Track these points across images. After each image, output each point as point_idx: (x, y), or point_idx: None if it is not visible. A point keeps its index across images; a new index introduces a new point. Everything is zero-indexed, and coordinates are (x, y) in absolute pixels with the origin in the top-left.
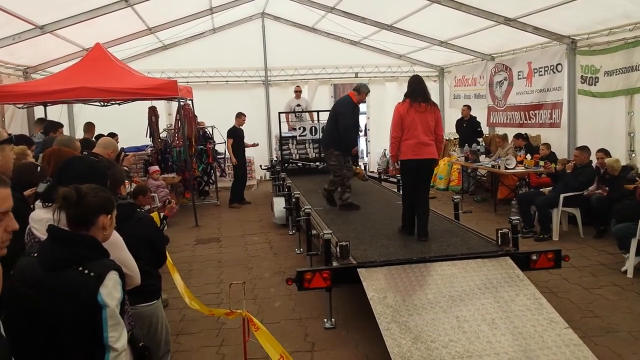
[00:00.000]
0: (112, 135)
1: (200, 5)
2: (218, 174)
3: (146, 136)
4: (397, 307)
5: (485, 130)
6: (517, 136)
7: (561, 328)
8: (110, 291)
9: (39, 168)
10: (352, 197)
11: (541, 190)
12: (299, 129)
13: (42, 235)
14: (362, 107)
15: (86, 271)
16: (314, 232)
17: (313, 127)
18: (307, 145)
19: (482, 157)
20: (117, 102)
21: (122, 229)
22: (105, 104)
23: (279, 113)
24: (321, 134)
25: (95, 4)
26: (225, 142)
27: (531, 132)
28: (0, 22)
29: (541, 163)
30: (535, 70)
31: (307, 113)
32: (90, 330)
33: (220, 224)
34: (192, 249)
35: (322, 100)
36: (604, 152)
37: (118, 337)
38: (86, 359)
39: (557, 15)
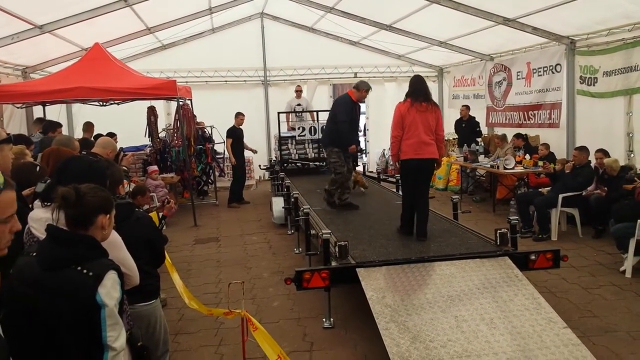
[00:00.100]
0: (111, 135)
1: (199, 5)
2: (217, 173)
3: (145, 136)
4: (395, 307)
5: (484, 130)
6: (517, 136)
7: (560, 328)
8: (109, 291)
9: (37, 168)
10: (351, 197)
11: (540, 190)
12: (298, 128)
13: (41, 234)
14: (362, 107)
15: (85, 271)
16: (312, 231)
17: (312, 127)
18: (306, 145)
19: (481, 157)
20: (116, 101)
21: (121, 228)
22: (104, 103)
23: (278, 113)
24: (321, 134)
25: (94, 4)
26: (224, 142)
27: (530, 132)
28: None
29: (540, 163)
30: (534, 71)
31: (307, 113)
32: (89, 329)
33: (219, 224)
34: (191, 248)
35: (321, 100)
36: (603, 152)
37: (117, 337)
38: (85, 359)
39: (556, 15)
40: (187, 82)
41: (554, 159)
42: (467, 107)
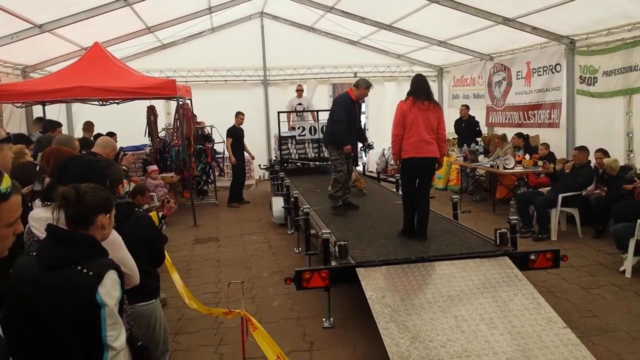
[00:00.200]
0: (111, 134)
1: (199, 4)
2: (217, 173)
3: (145, 135)
4: (395, 307)
5: (484, 130)
6: (519, 135)
7: (559, 328)
8: (109, 290)
9: (37, 167)
10: (351, 197)
11: (540, 190)
12: (299, 128)
13: (41, 234)
14: (362, 106)
15: (85, 270)
16: (312, 231)
17: (312, 127)
18: (306, 145)
19: (480, 157)
20: (116, 101)
21: (121, 228)
22: (104, 103)
23: (278, 112)
24: (321, 134)
25: (94, 3)
26: (224, 142)
27: (530, 132)
28: None
29: (540, 163)
30: (534, 70)
31: (308, 112)
32: (89, 329)
33: (219, 224)
34: (191, 248)
35: (321, 100)
36: (603, 152)
37: (117, 336)
38: (85, 358)
39: (556, 15)
40: (186, 81)
41: (554, 158)
42: (467, 107)
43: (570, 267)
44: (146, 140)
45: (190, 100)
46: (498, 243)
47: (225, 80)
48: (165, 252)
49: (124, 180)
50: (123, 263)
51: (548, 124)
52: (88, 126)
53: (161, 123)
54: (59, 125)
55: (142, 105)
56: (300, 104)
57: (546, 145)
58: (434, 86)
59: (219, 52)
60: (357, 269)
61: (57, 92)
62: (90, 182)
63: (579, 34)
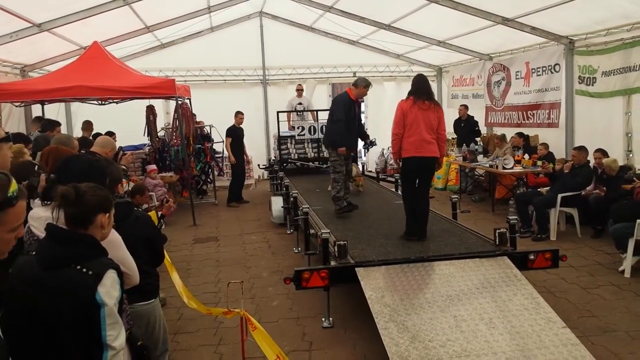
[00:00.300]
0: (110, 134)
1: (198, 4)
2: (216, 173)
3: (144, 135)
4: (395, 307)
5: (483, 130)
6: (519, 135)
7: (559, 327)
8: (109, 290)
9: (36, 167)
10: (350, 197)
11: (539, 190)
12: (298, 128)
13: (41, 233)
14: (362, 106)
15: (84, 270)
16: (312, 231)
17: (312, 127)
18: (305, 144)
19: (480, 157)
20: (115, 100)
21: (120, 227)
22: (103, 102)
23: (278, 112)
24: (320, 134)
25: (93, 3)
26: (223, 141)
27: (529, 132)
28: None
29: (539, 163)
30: (533, 70)
31: (308, 112)
32: (89, 328)
33: (219, 223)
34: (190, 248)
35: (320, 100)
36: (602, 152)
37: (116, 336)
38: (85, 358)
39: (555, 15)
40: (185, 81)
41: (553, 158)
42: (466, 107)
43: (569, 267)
44: (145, 140)
45: (190, 99)
46: (497, 243)
47: (225, 80)
48: (165, 252)
49: (123, 180)
50: (123, 263)
51: (547, 124)
52: (87, 125)
53: (160, 122)
54: (58, 124)
55: (141, 105)
56: (300, 104)
57: (545, 145)
58: (433, 86)
59: (218, 52)
60: (356, 269)
61: (56, 92)
62: (90, 182)
63: (578, 34)
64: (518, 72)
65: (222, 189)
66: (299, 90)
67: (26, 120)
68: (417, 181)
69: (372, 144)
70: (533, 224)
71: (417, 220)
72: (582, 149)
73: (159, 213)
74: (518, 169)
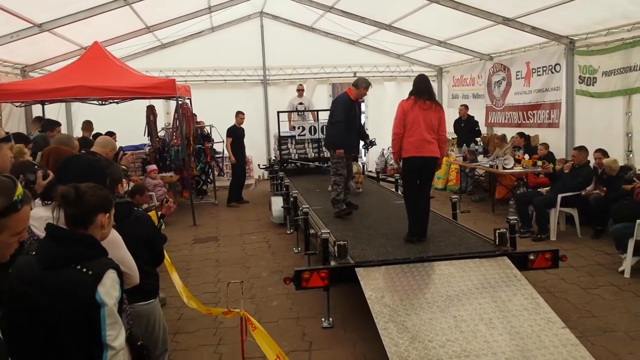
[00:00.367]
0: (110, 134)
1: (198, 4)
2: (216, 173)
3: (144, 135)
4: (394, 307)
5: (484, 130)
6: (520, 135)
7: (558, 328)
8: (109, 290)
9: (35, 167)
10: (350, 197)
11: (539, 190)
12: (298, 128)
13: (41, 233)
14: (362, 106)
15: (84, 270)
16: (312, 231)
17: (312, 127)
18: (306, 144)
19: (480, 157)
20: (115, 100)
21: (120, 227)
22: (103, 102)
23: (278, 112)
24: (321, 134)
25: (93, 3)
26: (223, 141)
27: (529, 132)
28: None
29: (539, 163)
30: (534, 70)
31: (309, 112)
32: (88, 328)
33: (218, 223)
34: (190, 248)
35: (320, 100)
36: (602, 153)
37: (116, 336)
38: (84, 358)
39: (556, 15)
40: (186, 81)
41: (553, 158)
42: (466, 107)
43: (569, 267)
44: (145, 140)
45: (190, 99)
46: (497, 243)
47: (225, 80)
48: (165, 252)
49: (123, 180)
50: (123, 262)
51: (547, 124)
52: (87, 125)
53: (160, 122)
54: (58, 124)
55: (141, 105)
56: (301, 104)
57: (545, 145)
58: (433, 86)
59: (219, 52)
60: (356, 269)
61: (57, 92)
62: (90, 182)
63: (578, 34)
64: (518, 72)
65: (222, 189)
66: (300, 90)
67: (26, 121)
68: (418, 181)
69: (372, 143)
70: (533, 224)
71: (418, 221)
72: (583, 149)
73: (159, 213)
74: (518, 169)
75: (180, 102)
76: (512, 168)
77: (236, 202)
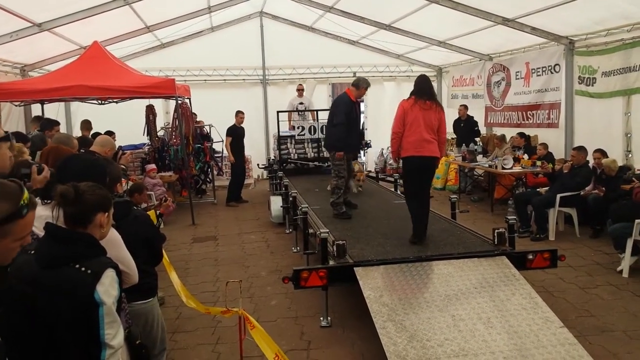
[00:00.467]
0: (110, 133)
1: (198, 4)
2: (215, 172)
3: (143, 134)
4: (393, 306)
5: (483, 130)
6: (520, 135)
7: (556, 327)
8: (107, 289)
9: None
10: (350, 197)
11: (538, 190)
12: (298, 128)
13: (40, 232)
14: (361, 106)
15: (83, 269)
16: (310, 230)
17: (312, 127)
18: (305, 144)
19: (479, 157)
20: (115, 100)
21: (119, 226)
22: (103, 102)
23: (278, 112)
24: (320, 134)
25: (93, 2)
26: (222, 141)
27: (529, 132)
28: None
29: (538, 163)
30: (533, 71)
31: (309, 112)
32: (87, 327)
33: (217, 223)
34: (189, 247)
35: (320, 100)
36: (601, 153)
37: (114, 335)
38: (83, 356)
39: (555, 15)
40: (185, 80)
41: (553, 158)
42: (465, 107)
43: (567, 267)
44: (145, 139)
45: (189, 99)
46: (496, 243)
47: (224, 80)
48: (163, 251)
49: (122, 179)
50: (122, 262)
51: (547, 124)
52: (86, 125)
53: (160, 122)
54: (57, 123)
55: (141, 104)
56: (301, 104)
57: (545, 145)
58: (433, 86)
59: (218, 52)
60: (355, 268)
61: (56, 91)
62: (90, 181)
63: (578, 34)
64: (518, 72)
65: (221, 188)
66: (300, 90)
67: (26, 120)
68: (419, 181)
69: (367, 145)
70: (532, 224)
71: (420, 221)
72: (582, 149)
73: (158, 212)
74: (517, 169)
75: (179, 102)
76: (511, 168)
77: (235, 202)
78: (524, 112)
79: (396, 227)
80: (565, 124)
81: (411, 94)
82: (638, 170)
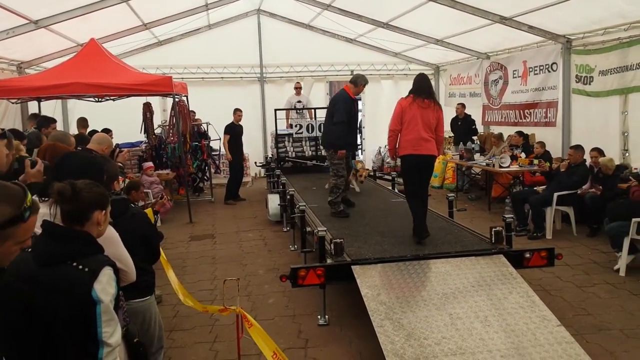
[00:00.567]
0: (107, 131)
1: (195, 1)
2: (213, 170)
3: (141, 132)
4: (390, 304)
5: (480, 128)
6: (519, 134)
7: (553, 326)
8: (105, 287)
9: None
10: (348, 195)
11: (535, 188)
12: (296, 126)
13: (38, 229)
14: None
15: (80, 267)
16: (308, 229)
17: (309, 125)
18: (303, 142)
19: (476, 156)
20: (112, 97)
21: (117, 224)
22: (100, 99)
23: (275, 110)
24: (318, 132)
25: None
26: (220, 139)
27: (526, 130)
28: None
29: (535, 161)
30: (531, 69)
31: (307, 110)
32: (85, 325)
33: (215, 221)
34: (186, 245)
35: (317, 98)
36: (598, 151)
37: (112, 333)
38: (81, 354)
39: (553, 14)
40: (183, 78)
41: (550, 157)
42: (463, 105)
43: (564, 266)
44: (142, 137)
45: (187, 97)
46: (493, 241)
47: (222, 77)
48: (161, 249)
49: (119, 177)
50: (119, 259)
51: (544, 122)
52: (82, 122)
53: (157, 120)
54: (54, 121)
55: (138, 102)
56: (299, 102)
57: (542, 144)
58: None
59: (216, 49)
60: (352, 267)
61: (53, 88)
62: (87, 179)
63: (575, 33)
64: (515, 70)
65: (218, 186)
66: (298, 89)
67: (22, 117)
68: (418, 180)
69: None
70: (529, 223)
71: (417, 219)
72: (579, 148)
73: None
74: (514, 167)
75: (176, 100)
76: (508, 166)
77: (233, 200)
78: (521, 111)
79: (394, 226)
80: (562, 122)
81: (410, 92)
82: (635, 169)
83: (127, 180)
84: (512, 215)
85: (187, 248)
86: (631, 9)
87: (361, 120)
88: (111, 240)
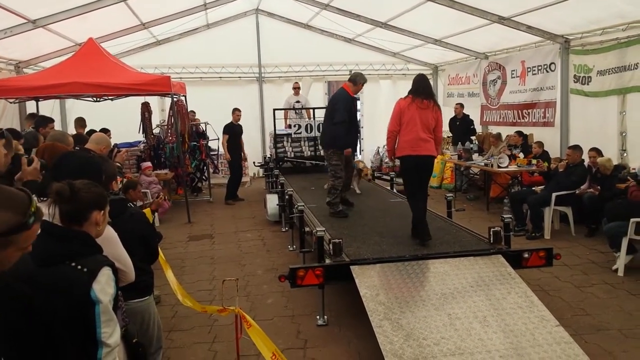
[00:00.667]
0: (105, 130)
1: (194, 0)
2: (211, 170)
3: (139, 132)
4: (389, 305)
5: (479, 128)
6: (519, 134)
7: (552, 326)
8: (103, 287)
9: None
10: (347, 195)
11: (533, 188)
12: (295, 126)
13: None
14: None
15: (79, 267)
16: (307, 229)
17: (308, 125)
18: (302, 143)
19: (475, 156)
20: (110, 97)
21: (115, 224)
22: (98, 99)
23: (274, 110)
24: (317, 132)
25: None
26: (218, 139)
27: (524, 130)
28: None
29: (534, 162)
30: (529, 69)
31: (305, 110)
32: (84, 325)
33: (213, 221)
34: (185, 245)
35: (316, 97)
36: (596, 151)
37: (111, 333)
38: (80, 355)
39: (551, 14)
40: (181, 78)
41: (548, 157)
42: (461, 105)
43: (563, 266)
44: (140, 137)
45: (185, 97)
46: (492, 241)
47: (220, 77)
48: (159, 249)
49: (117, 177)
50: (118, 260)
51: (542, 122)
52: (80, 122)
53: (155, 120)
54: (52, 121)
55: (136, 102)
56: (298, 102)
57: (540, 144)
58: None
59: (214, 49)
60: (351, 267)
61: (51, 88)
62: (85, 179)
63: (573, 33)
64: (514, 70)
65: (217, 186)
66: (296, 89)
67: (20, 117)
68: (417, 181)
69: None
70: (527, 223)
71: (417, 220)
72: (577, 148)
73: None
74: (513, 167)
75: (175, 99)
76: (506, 167)
77: (232, 200)
78: (519, 111)
79: (392, 226)
80: (560, 122)
81: (409, 92)
82: (633, 169)
83: (125, 180)
84: (510, 216)
85: (185, 248)
86: (630, 9)
87: (359, 121)
88: (110, 240)
